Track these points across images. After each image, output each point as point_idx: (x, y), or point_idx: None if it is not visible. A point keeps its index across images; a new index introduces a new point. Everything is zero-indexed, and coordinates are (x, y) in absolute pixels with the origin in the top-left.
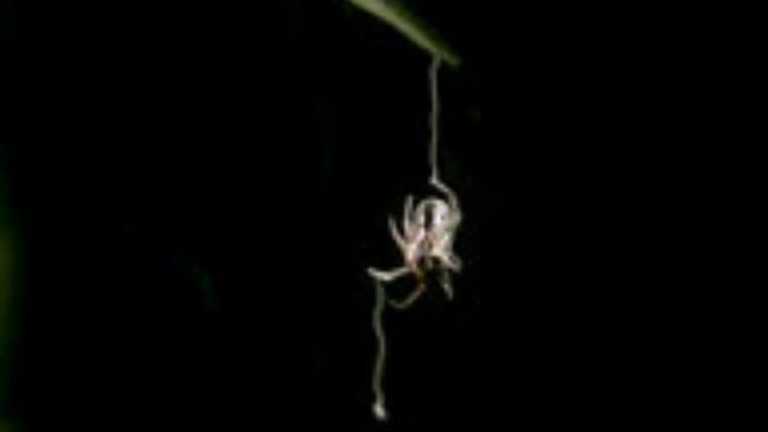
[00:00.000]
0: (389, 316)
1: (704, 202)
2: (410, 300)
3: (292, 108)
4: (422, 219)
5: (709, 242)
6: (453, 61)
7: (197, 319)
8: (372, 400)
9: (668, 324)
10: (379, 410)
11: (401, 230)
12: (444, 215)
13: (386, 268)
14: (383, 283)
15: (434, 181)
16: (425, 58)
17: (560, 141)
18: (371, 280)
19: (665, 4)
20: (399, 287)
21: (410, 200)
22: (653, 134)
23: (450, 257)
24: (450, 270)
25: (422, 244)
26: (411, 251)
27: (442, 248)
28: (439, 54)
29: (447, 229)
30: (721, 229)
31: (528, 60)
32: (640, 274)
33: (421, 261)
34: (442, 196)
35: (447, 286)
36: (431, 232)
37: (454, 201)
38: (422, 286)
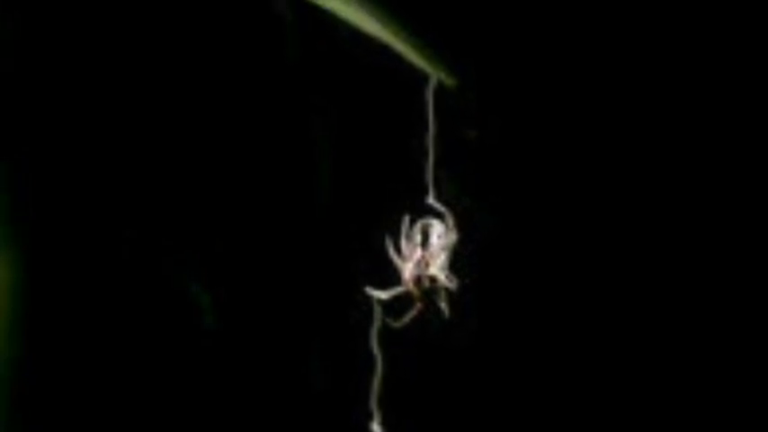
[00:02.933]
0: (386, 334)
1: (706, 213)
2: (407, 318)
3: (290, 128)
4: (418, 238)
5: (710, 254)
6: (450, 81)
7: (196, 336)
8: (369, 418)
9: (669, 339)
10: (377, 429)
11: (398, 250)
12: (441, 234)
13: (383, 287)
14: (380, 301)
15: (431, 200)
16: (422, 78)
17: (557, 160)
18: (368, 299)
19: (661, 21)
20: (396, 306)
21: (407, 219)
22: (651, 154)
23: (447, 276)
24: (446, 289)
25: (418, 263)
26: (408, 270)
27: (438, 267)
28: (435, 74)
29: (443, 249)
30: (722, 242)
31: (524, 80)
32: (640, 293)
33: (418, 280)
34: (438, 216)
35: (443, 305)
36: (427, 251)
37: (451, 220)
38: (418, 305)
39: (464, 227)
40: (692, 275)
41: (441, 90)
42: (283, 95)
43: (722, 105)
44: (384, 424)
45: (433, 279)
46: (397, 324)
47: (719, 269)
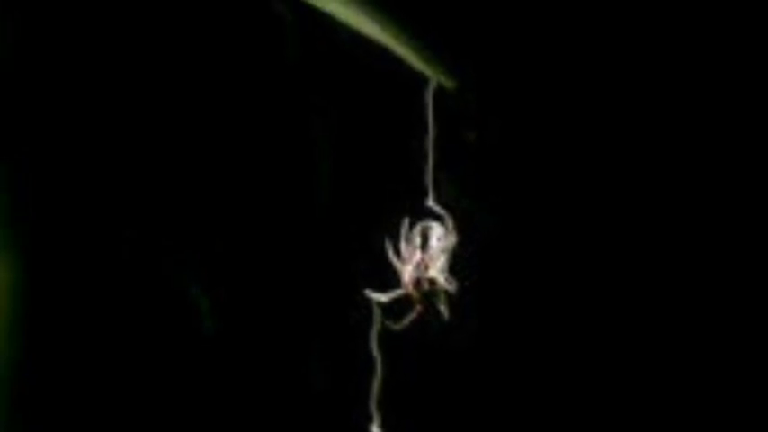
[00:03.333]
0: (386, 337)
1: (706, 214)
2: (407, 321)
3: (290, 131)
4: (418, 240)
5: (710, 254)
6: (449, 84)
7: (195, 339)
8: (369, 420)
9: (669, 341)
10: (376, 431)
11: (397, 252)
12: (440, 237)
13: (382, 290)
14: (380, 304)
15: (430, 203)
16: (422, 80)
17: (556, 162)
18: (368, 301)
19: (660, 22)
20: (396, 308)
21: (406, 222)
22: (650, 154)
23: (447, 279)
24: (446, 291)
25: (418, 265)
26: (407, 273)
27: (438, 270)
28: (435, 77)
29: (443, 251)
30: (722, 242)
31: (523, 82)
32: (640, 294)
33: (417, 282)
34: (438, 218)
35: (443, 307)
36: (427, 254)
37: (450, 222)
38: (418, 307)
39: (463, 229)
40: (692, 276)
41: (440, 92)
42: (284, 99)
43: (722, 106)
44: (384, 426)
45: (432, 281)
46: (396, 326)
47: (719, 269)
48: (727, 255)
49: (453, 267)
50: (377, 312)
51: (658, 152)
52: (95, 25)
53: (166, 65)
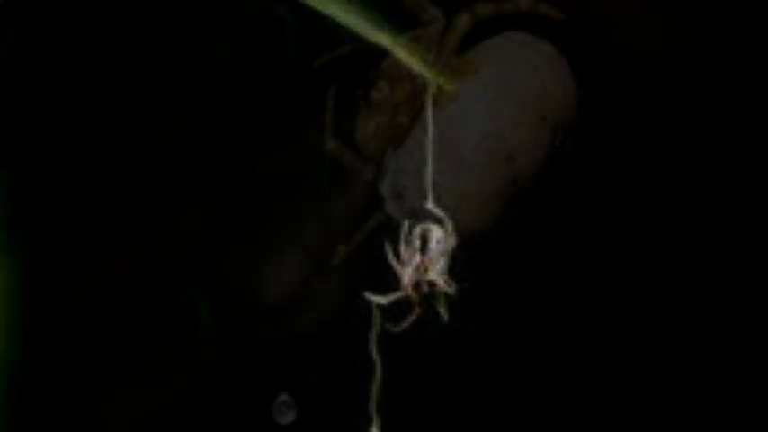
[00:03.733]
0: (385, 339)
1: (706, 218)
2: (406, 323)
3: (289, 132)
4: (417, 243)
5: (710, 260)
6: (449, 86)
7: (195, 343)
8: (368, 423)
9: (672, 342)
10: None
11: (397, 254)
12: (440, 239)
13: (382, 292)
14: (379, 306)
15: (430, 205)
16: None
17: (554, 164)
18: (368, 303)
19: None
20: (395, 311)
21: (406, 224)
22: (651, 158)
23: (446, 281)
24: (445, 293)
25: (417, 268)
26: (407, 275)
27: (437, 272)
28: (434, 79)
29: (442, 253)
30: (722, 245)
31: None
32: (641, 295)
33: (417, 285)
34: (437, 220)
35: (442, 310)
36: (426, 256)
37: (449, 225)
38: (417, 310)
39: (463, 231)
40: (693, 280)
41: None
42: (283, 100)
43: (719, 107)
44: (383, 429)
45: (432, 284)
46: (396, 329)
47: (719, 274)
48: (728, 256)
49: (453, 269)
50: (376, 315)
51: (659, 156)
52: (95, 28)
53: (166, 66)
